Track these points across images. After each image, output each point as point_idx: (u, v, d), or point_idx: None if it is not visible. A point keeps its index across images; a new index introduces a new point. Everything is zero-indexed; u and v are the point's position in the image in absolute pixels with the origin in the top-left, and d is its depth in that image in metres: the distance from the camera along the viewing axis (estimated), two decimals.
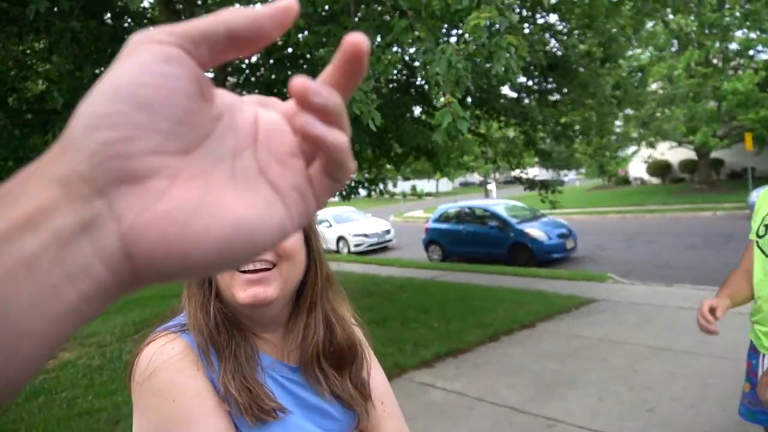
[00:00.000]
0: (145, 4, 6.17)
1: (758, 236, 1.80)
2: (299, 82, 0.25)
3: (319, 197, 0.28)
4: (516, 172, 9.33)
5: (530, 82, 7.79)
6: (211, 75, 7.17)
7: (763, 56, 19.61)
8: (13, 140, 4.80)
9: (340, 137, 0.26)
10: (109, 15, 5.48)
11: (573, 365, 4.74)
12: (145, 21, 5.99)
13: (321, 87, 0.25)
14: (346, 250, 15.18)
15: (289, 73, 6.14)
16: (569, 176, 31.52)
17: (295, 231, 0.27)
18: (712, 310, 1.79)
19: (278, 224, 0.26)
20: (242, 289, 0.83)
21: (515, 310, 6.57)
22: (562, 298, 7.05)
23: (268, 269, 0.85)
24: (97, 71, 4.77)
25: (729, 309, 1.82)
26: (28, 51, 5.60)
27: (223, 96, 0.27)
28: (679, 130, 18.99)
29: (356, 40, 0.26)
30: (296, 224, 0.27)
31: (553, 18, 6.80)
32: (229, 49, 0.25)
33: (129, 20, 5.75)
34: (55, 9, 4.07)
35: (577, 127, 8.57)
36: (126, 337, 6.18)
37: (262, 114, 0.28)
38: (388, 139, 7.13)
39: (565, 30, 6.85)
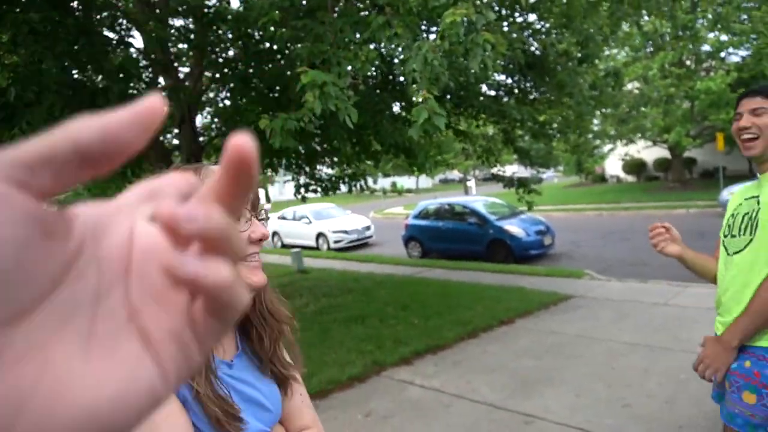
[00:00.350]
0: None
1: (723, 235, 1.92)
2: (166, 207, 0.19)
3: (203, 343, 0.22)
4: (494, 170, 9.39)
5: (509, 81, 7.84)
6: (186, 70, 7.04)
7: (735, 58, 20.12)
8: None
9: (221, 273, 0.20)
10: (77, 6, 5.30)
11: (551, 362, 4.78)
12: (117, 13, 5.83)
13: (194, 208, 0.20)
14: (325, 247, 15.11)
15: (266, 67, 6.05)
16: (547, 174, 31.97)
17: (170, 392, 0.21)
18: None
19: (145, 391, 0.20)
20: (255, 273, 0.89)
21: (494, 306, 6.61)
22: (540, 295, 7.12)
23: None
24: (61, 66, 4.61)
25: (681, 257, 1.94)
26: None
27: (87, 214, 0.21)
28: (657, 126, 19.40)
29: (241, 143, 0.20)
30: (172, 383, 0.21)
31: (531, 17, 6.86)
32: (81, 169, 0.20)
33: (100, 14, 5.57)
34: None
35: (555, 125, 8.67)
36: None
37: (140, 229, 0.22)
38: (367, 136, 7.10)
39: (544, 29, 6.90)
